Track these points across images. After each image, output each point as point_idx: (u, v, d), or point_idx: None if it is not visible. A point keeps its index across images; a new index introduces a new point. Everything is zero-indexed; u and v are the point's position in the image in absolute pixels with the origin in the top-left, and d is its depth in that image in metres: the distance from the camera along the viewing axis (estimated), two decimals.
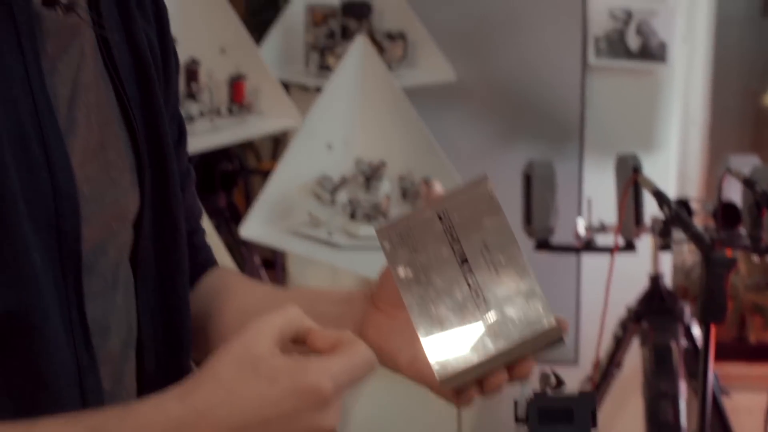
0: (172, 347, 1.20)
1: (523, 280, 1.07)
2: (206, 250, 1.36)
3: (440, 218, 1.09)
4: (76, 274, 1.01)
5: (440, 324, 1.06)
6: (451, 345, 1.05)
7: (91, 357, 1.03)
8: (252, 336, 0.91)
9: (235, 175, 3.21)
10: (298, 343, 0.94)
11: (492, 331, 1.05)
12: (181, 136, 1.26)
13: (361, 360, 0.92)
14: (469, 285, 1.07)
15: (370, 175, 2.86)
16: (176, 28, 1.27)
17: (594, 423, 1.50)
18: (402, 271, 1.09)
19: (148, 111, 1.14)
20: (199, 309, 1.27)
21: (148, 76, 1.14)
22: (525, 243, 3.07)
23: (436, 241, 1.08)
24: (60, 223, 0.98)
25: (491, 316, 1.05)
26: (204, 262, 1.34)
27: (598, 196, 3.05)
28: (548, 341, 1.05)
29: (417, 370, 1.14)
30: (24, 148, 0.95)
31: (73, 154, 1.01)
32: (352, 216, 2.82)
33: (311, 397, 0.89)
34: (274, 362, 0.89)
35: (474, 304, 1.06)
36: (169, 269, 1.18)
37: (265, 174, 2.99)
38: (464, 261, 1.07)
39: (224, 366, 0.90)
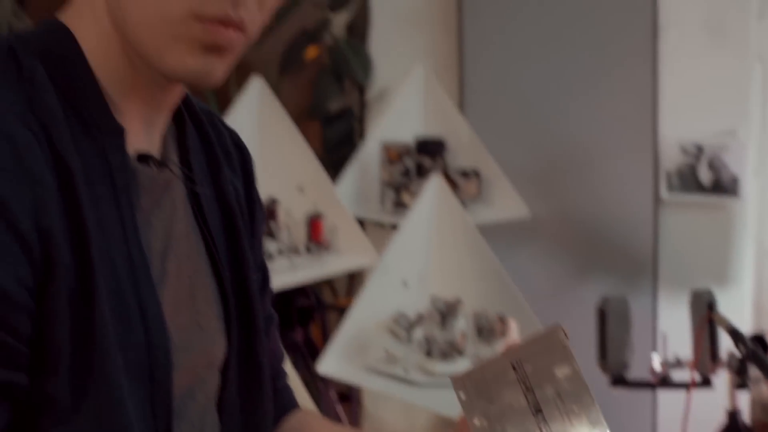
0: None
1: (595, 428, 1.08)
2: (288, 392, 1.38)
3: (514, 368, 1.10)
4: (168, 421, 1.04)
5: None
6: None
7: None
8: None
9: (312, 311, 3.26)
10: None
11: None
12: (265, 283, 1.29)
13: None
14: None
15: (446, 313, 2.89)
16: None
17: None
18: (477, 422, 1.10)
19: (235, 260, 1.18)
20: None
21: (235, 227, 1.18)
22: (600, 379, 3.07)
23: (511, 391, 1.09)
24: (153, 373, 1.02)
25: None
26: (286, 404, 1.36)
27: (674, 331, 3.05)
28: None
29: None
30: (120, 301, 0.99)
31: (164, 304, 1.05)
32: (428, 353, 2.84)
33: None
34: None
35: None
36: (253, 413, 1.20)
37: (341, 310, 3.03)
38: (538, 411, 1.08)
39: None
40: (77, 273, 0.95)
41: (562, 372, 1.09)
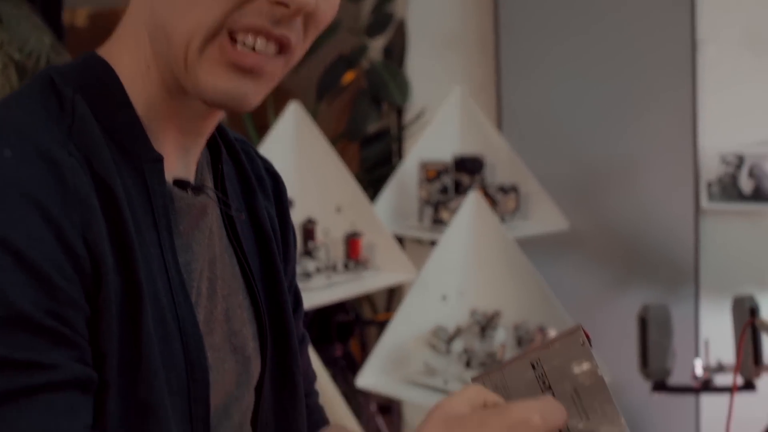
0: None
1: (614, 425, 1.07)
2: (319, 411, 1.39)
3: (533, 366, 1.10)
4: None
5: None
6: None
7: None
8: (451, 402, 0.94)
9: (351, 326, 3.27)
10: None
11: None
12: (298, 305, 1.31)
13: (556, 405, 0.96)
14: None
15: (485, 325, 2.89)
16: (292, 189, 1.33)
17: None
18: None
19: (270, 282, 1.20)
20: None
21: (269, 250, 1.20)
22: (642, 386, 3.05)
23: (529, 389, 1.08)
24: (191, 391, 1.03)
25: None
26: (317, 421, 1.37)
27: (716, 337, 3.03)
28: None
29: None
30: (161, 321, 1.00)
31: (200, 324, 1.07)
32: (468, 365, 2.84)
33: (523, 428, 0.91)
34: (477, 413, 0.93)
35: None
36: (287, 430, 1.22)
37: (380, 324, 3.04)
38: None
39: (434, 427, 0.92)
40: (124, 292, 0.97)
41: (580, 369, 1.08)
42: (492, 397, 0.98)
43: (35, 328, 0.89)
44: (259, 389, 1.18)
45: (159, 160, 1.03)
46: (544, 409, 0.94)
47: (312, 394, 1.37)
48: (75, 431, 0.90)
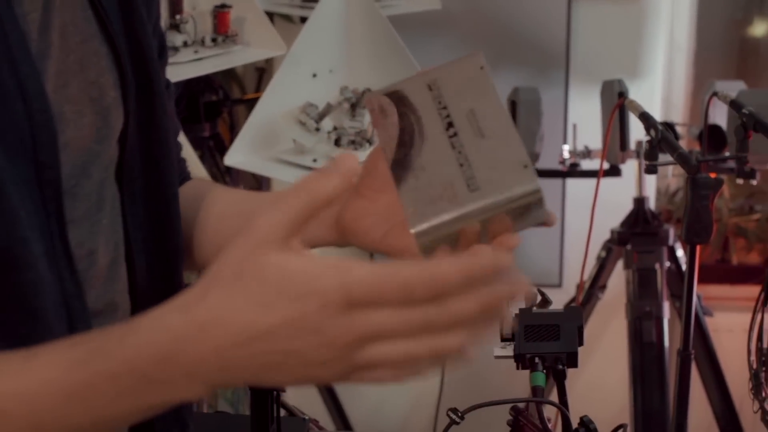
0: (165, 259, 1.20)
1: (510, 146, 1.04)
2: (183, 163, 1.36)
3: (430, 88, 1.07)
4: (57, 202, 1.00)
5: (421, 182, 1.02)
6: (429, 201, 1.01)
7: (76, 284, 1.03)
8: (255, 237, 0.80)
9: (219, 106, 3.20)
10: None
11: (472, 188, 1.01)
12: (162, 51, 1.24)
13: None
14: (453, 147, 1.04)
15: (355, 102, 2.86)
16: None
17: (581, 340, 1.51)
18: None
19: (129, 24, 1.12)
20: (182, 219, 1.25)
21: None
22: None
23: (424, 109, 1.05)
24: (37, 153, 0.97)
25: (472, 175, 1.01)
26: (181, 173, 1.34)
27: (584, 122, 3.06)
28: (528, 203, 1.01)
29: (388, 244, 1.12)
30: None
31: (49, 78, 1.00)
32: (337, 143, 2.81)
33: (319, 301, 0.77)
34: (281, 266, 0.79)
35: (457, 163, 1.03)
36: (158, 181, 1.17)
37: (249, 104, 2.98)
38: (450, 126, 1.04)
39: (226, 273, 0.80)
40: None
41: (477, 92, 1.05)
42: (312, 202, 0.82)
43: None
44: (122, 140, 1.12)
45: None
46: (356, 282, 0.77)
47: (177, 146, 1.32)
48: None
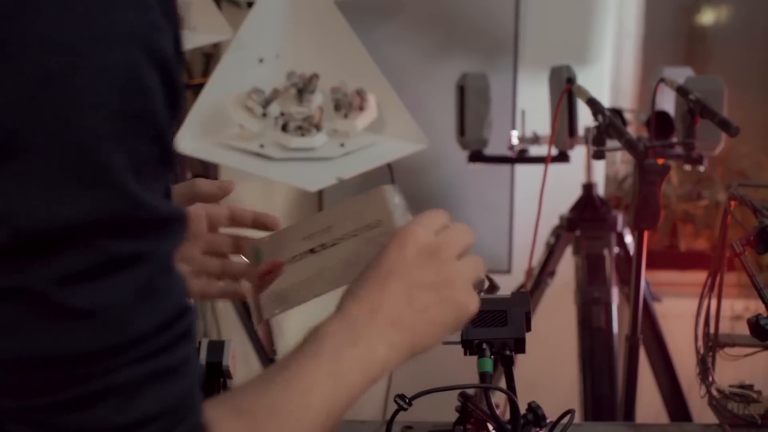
0: None
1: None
2: None
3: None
4: None
5: None
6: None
7: None
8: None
9: None
10: None
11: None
12: None
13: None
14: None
15: (303, 88, 2.83)
16: None
17: (528, 326, 1.50)
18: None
19: None
20: None
21: None
22: (459, 155, 3.07)
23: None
24: None
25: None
26: None
27: (532, 108, 3.05)
28: None
29: None
30: None
31: None
32: (284, 128, 2.78)
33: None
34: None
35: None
36: None
37: (196, 89, 2.94)
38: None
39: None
40: None
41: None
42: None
43: None
44: None
45: None
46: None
47: None
48: None
